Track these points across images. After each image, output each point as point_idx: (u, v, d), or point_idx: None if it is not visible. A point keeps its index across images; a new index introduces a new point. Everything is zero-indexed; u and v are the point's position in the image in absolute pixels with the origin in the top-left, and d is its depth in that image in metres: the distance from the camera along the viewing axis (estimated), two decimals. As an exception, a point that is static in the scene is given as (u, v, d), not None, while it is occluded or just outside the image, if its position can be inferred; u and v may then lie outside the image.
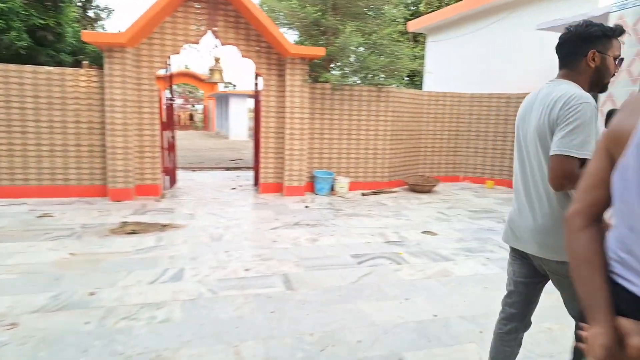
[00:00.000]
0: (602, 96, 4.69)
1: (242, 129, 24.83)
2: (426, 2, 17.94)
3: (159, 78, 7.09)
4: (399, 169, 8.57)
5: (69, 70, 6.42)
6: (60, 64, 9.80)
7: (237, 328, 2.81)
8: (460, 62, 11.13)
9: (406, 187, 8.48)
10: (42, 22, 8.90)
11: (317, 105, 7.65)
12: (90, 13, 13.76)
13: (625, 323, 0.91)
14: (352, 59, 7.94)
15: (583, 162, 1.52)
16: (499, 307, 2.06)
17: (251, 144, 10.21)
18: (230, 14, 6.97)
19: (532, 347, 2.62)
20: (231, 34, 7.02)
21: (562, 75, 1.74)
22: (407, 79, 17.46)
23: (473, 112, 9.16)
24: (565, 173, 1.53)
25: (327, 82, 7.35)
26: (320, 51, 6.97)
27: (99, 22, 14.37)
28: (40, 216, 5.46)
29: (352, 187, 7.94)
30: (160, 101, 6.91)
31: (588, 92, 1.66)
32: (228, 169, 11.02)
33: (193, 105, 37.65)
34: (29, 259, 3.92)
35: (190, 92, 36.41)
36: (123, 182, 6.56)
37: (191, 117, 36.92)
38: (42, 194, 6.45)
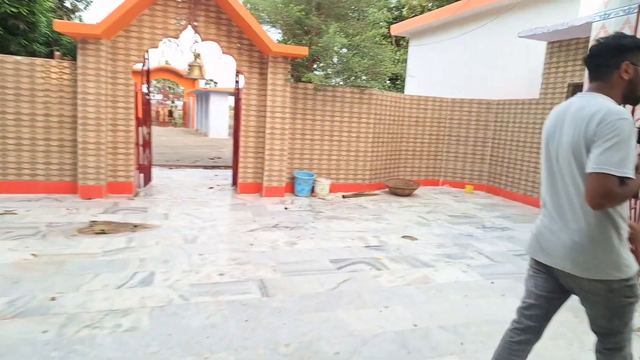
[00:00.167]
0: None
1: (222, 127, 24.44)
2: (409, 6, 18.04)
3: (135, 72, 6.84)
4: (380, 171, 8.51)
5: (39, 60, 6.11)
6: (32, 54, 9.40)
7: (208, 338, 2.66)
8: (443, 67, 11.18)
9: (387, 190, 8.43)
10: (14, 10, 8.51)
11: (299, 105, 7.53)
12: (67, 3, 13.31)
13: None
14: (335, 59, 7.85)
15: (622, 180, 1.45)
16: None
17: (231, 142, 10.00)
18: (211, 9, 6.78)
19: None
20: (212, 29, 6.83)
21: (594, 88, 1.67)
22: (389, 82, 17.50)
23: (454, 116, 9.19)
24: (604, 192, 1.46)
25: (309, 82, 7.24)
26: (303, 51, 6.85)
27: (76, 13, 13.91)
28: (1, 213, 5.16)
29: (333, 189, 7.84)
30: (136, 96, 6.66)
31: (620, 104, 1.60)
32: (206, 167, 10.78)
33: (173, 102, 36.88)
34: (-14, 260, 3.66)
35: (170, 88, 35.70)
36: (94, 179, 6.29)
37: (170, 113, 36.13)
38: (7, 190, 6.12)
